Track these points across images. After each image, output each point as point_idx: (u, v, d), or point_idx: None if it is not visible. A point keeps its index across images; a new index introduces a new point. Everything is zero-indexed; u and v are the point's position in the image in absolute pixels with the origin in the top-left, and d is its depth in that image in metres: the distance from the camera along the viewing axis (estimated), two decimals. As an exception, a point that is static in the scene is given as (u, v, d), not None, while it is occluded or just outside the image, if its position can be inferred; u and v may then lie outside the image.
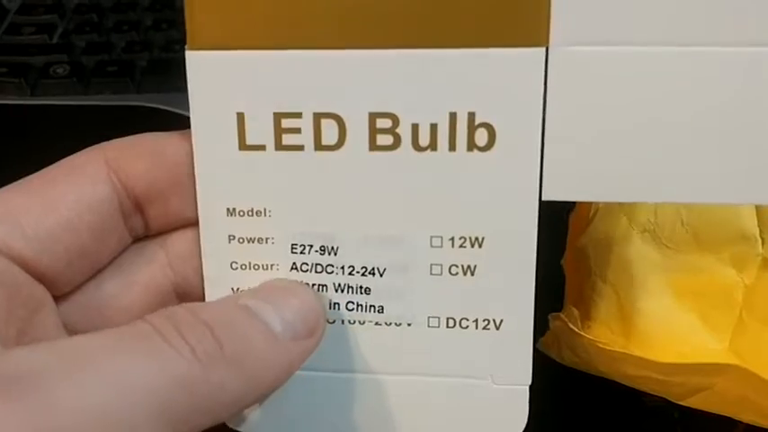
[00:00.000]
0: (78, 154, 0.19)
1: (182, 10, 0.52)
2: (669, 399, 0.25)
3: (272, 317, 0.17)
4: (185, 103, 0.44)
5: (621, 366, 0.24)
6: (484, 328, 0.19)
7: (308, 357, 0.17)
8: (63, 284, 0.19)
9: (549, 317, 0.26)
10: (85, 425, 0.14)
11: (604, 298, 0.25)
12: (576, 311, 0.25)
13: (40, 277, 0.18)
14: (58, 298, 0.19)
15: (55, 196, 0.18)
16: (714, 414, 0.25)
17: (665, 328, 0.25)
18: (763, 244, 0.25)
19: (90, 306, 0.19)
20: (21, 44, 0.44)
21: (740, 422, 0.25)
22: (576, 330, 0.25)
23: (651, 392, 0.25)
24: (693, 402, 0.25)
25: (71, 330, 0.19)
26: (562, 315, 0.26)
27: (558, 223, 0.29)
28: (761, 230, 0.25)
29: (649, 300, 0.25)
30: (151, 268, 0.20)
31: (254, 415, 0.20)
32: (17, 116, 0.41)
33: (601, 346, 0.24)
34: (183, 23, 0.50)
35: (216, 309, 0.17)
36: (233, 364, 0.16)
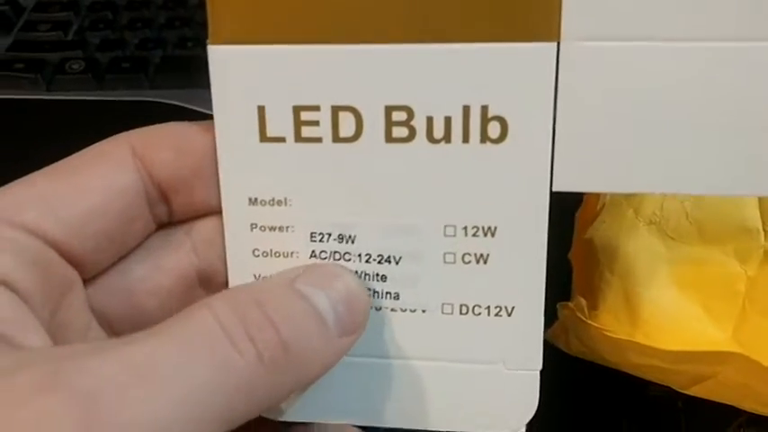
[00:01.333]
0: (104, 141, 0.19)
1: (195, 8, 0.52)
2: (673, 387, 0.26)
3: (326, 307, 0.17)
4: (198, 99, 0.45)
5: (627, 354, 0.25)
6: (496, 315, 0.19)
7: (348, 350, 0.18)
8: (91, 268, 0.19)
9: (558, 306, 0.27)
10: None
11: (611, 288, 0.26)
12: (583, 301, 0.26)
13: (70, 260, 0.18)
14: (85, 281, 0.19)
15: (84, 182, 0.18)
16: (717, 403, 0.26)
17: (669, 317, 0.25)
18: (765, 237, 0.26)
19: (117, 289, 0.20)
20: (37, 41, 0.45)
21: (743, 411, 0.26)
22: (584, 319, 0.25)
23: (655, 381, 0.26)
24: (697, 391, 0.25)
25: (97, 312, 0.19)
26: (570, 304, 0.26)
27: (565, 220, 0.29)
28: (764, 223, 0.26)
29: (655, 290, 0.26)
30: (177, 254, 0.20)
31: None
32: (33, 111, 0.42)
33: (607, 334, 0.25)
34: (196, 21, 0.51)
35: (278, 299, 0.17)
36: (293, 363, 0.16)
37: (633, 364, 0.25)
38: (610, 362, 0.26)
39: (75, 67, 0.43)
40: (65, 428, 0.13)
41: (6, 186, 0.18)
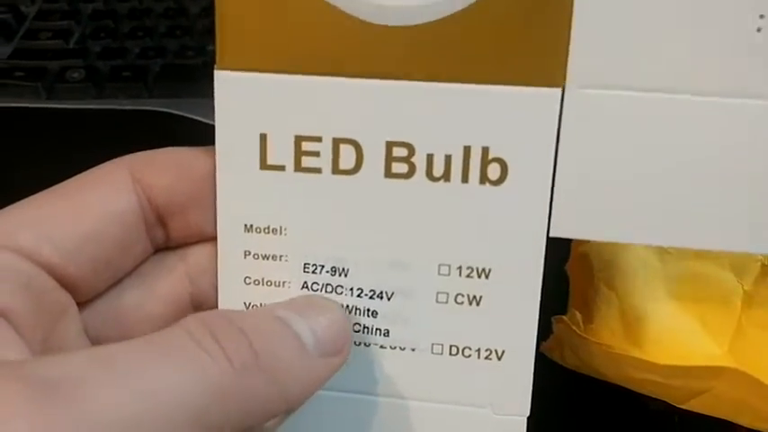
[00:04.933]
0: (103, 165, 0.19)
1: (196, 17, 0.52)
2: (669, 402, 0.26)
3: (305, 331, 0.17)
4: (197, 108, 0.45)
5: (622, 368, 0.25)
6: (486, 358, 0.19)
7: (333, 374, 0.18)
8: (86, 292, 0.19)
9: (553, 319, 0.27)
10: None
11: (607, 302, 0.26)
12: (578, 315, 0.26)
13: (65, 284, 0.18)
14: (80, 305, 0.19)
15: (82, 206, 0.18)
16: (713, 418, 0.26)
17: (665, 332, 0.25)
18: (762, 251, 0.25)
19: (111, 314, 0.20)
20: (38, 49, 0.45)
21: (739, 426, 0.26)
22: (579, 333, 0.25)
23: (651, 395, 0.26)
24: (693, 405, 0.25)
25: (92, 337, 0.19)
26: (565, 318, 0.26)
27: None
28: (760, 238, 0.25)
29: (651, 304, 0.25)
30: (170, 279, 0.20)
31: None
32: (33, 119, 0.42)
33: (602, 347, 0.25)
34: (197, 30, 0.51)
35: (251, 317, 0.17)
36: (266, 373, 0.16)
37: (629, 378, 0.25)
38: (605, 375, 0.26)
39: (75, 75, 0.43)
40: (22, 414, 0.13)
41: (3, 210, 0.18)
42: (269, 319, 0.17)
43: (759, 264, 0.25)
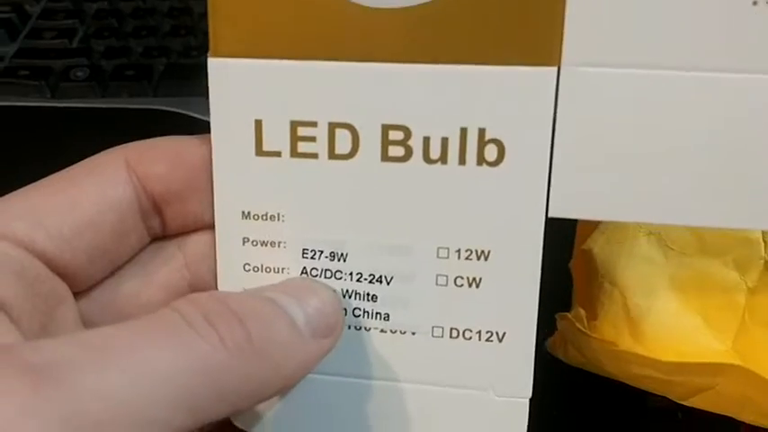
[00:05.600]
0: (99, 155, 0.19)
1: (200, 16, 0.52)
2: (672, 399, 0.26)
3: (296, 311, 0.17)
4: (201, 107, 0.45)
5: (626, 365, 0.25)
6: (487, 340, 0.19)
7: (324, 356, 0.18)
8: (83, 281, 0.19)
9: (557, 316, 0.27)
10: (108, 413, 0.14)
11: (611, 299, 0.26)
12: (582, 312, 0.26)
13: (61, 273, 0.18)
14: (77, 294, 0.19)
15: (77, 195, 0.18)
16: (717, 415, 0.26)
17: (669, 328, 0.25)
18: (765, 248, 0.25)
19: (108, 303, 0.20)
20: (42, 48, 0.45)
21: (742, 423, 0.26)
22: (583, 329, 0.25)
23: (654, 392, 0.26)
24: (696, 402, 0.25)
25: (89, 326, 0.19)
26: (569, 315, 0.26)
27: (566, 228, 0.29)
28: (764, 234, 0.25)
29: (654, 301, 0.25)
30: (168, 268, 0.20)
31: (259, 415, 0.20)
32: (38, 118, 0.42)
33: (606, 344, 0.25)
34: (200, 30, 0.51)
35: (243, 298, 0.17)
36: (259, 354, 0.16)
37: (632, 374, 0.25)
38: (609, 373, 0.26)
39: (79, 74, 0.43)
40: (14, 399, 0.13)
41: (12, 195, 0.18)
42: (261, 300, 0.17)
43: (763, 261, 0.25)
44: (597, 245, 0.27)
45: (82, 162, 0.19)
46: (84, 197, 0.19)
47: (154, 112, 0.42)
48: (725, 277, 0.25)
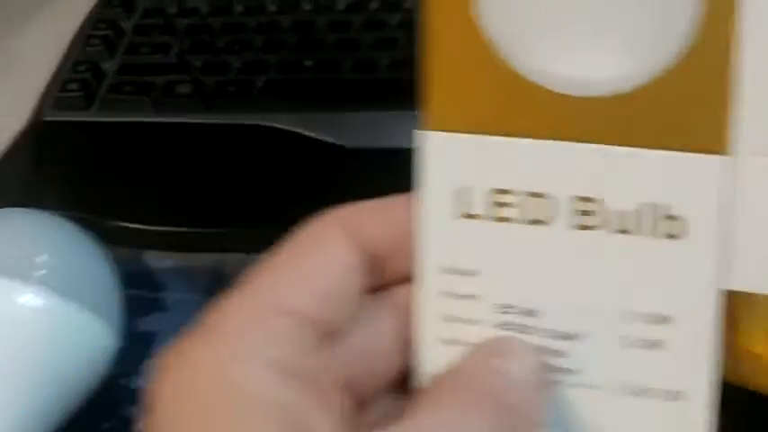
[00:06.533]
0: (314, 223, 0.21)
1: (288, 31, 0.53)
2: None
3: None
4: (302, 123, 0.45)
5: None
6: (667, 400, 0.21)
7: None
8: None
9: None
10: None
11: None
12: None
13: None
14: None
15: (312, 268, 0.21)
16: None
17: None
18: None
19: (353, 357, 0.21)
20: (142, 63, 0.46)
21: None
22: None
23: None
24: None
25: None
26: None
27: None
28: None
29: None
30: (389, 319, 0.22)
31: None
32: (142, 133, 0.44)
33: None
34: (289, 46, 0.51)
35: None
36: None
37: None
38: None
39: (182, 89, 0.44)
40: None
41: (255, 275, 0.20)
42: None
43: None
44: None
45: (298, 234, 0.21)
46: (319, 268, 0.21)
47: (257, 127, 0.43)
48: None
